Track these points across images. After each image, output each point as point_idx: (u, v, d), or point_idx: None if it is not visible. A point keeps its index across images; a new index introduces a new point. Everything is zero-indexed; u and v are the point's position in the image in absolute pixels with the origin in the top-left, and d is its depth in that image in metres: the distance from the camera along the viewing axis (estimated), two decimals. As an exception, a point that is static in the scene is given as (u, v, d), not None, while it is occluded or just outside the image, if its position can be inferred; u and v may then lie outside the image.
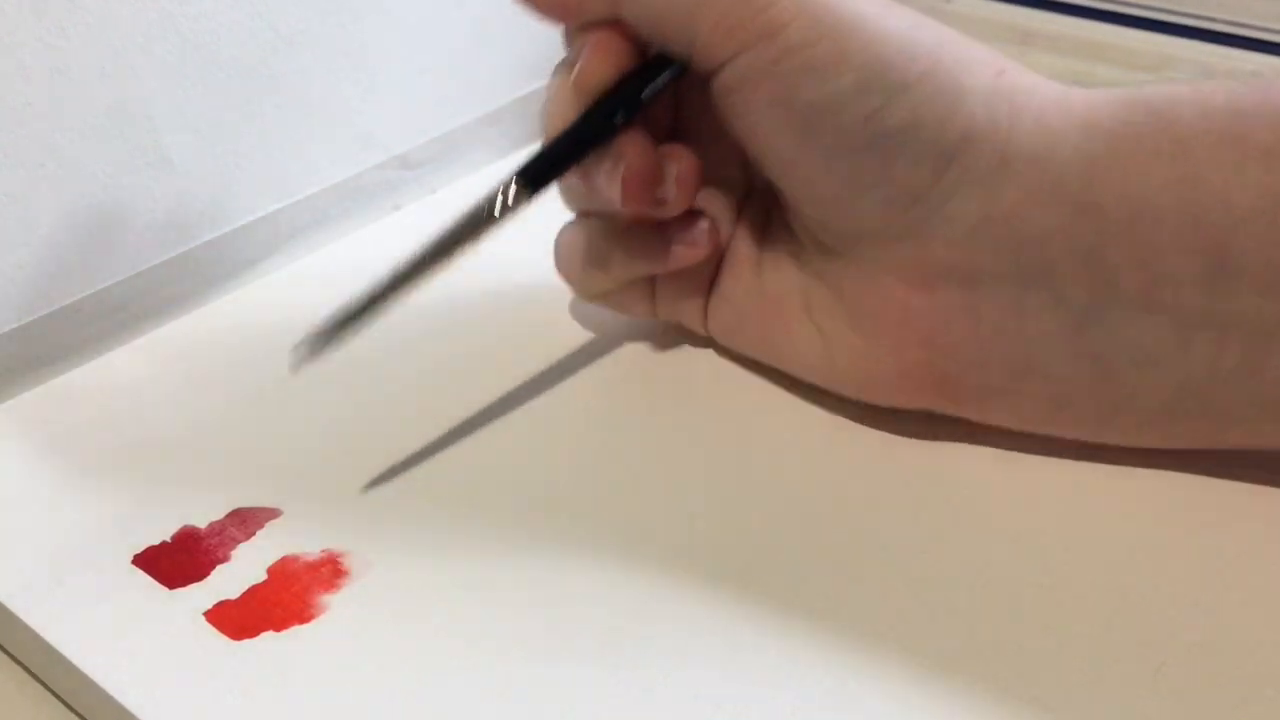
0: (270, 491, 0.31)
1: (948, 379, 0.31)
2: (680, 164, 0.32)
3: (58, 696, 0.28)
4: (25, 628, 0.27)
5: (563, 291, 0.37)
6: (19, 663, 0.29)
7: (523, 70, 0.48)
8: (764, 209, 0.34)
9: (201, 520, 0.30)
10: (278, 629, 0.27)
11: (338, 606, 0.28)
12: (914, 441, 0.32)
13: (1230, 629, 0.27)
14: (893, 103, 0.28)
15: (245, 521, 0.30)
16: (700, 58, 0.30)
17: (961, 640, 0.27)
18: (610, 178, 0.31)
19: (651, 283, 0.35)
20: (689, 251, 0.33)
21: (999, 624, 0.27)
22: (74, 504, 0.31)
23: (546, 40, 0.48)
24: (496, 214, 0.30)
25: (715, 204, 0.34)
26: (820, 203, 0.31)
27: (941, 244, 0.29)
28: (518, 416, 0.34)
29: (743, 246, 0.34)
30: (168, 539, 0.30)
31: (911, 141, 0.29)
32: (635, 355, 0.36)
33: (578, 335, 0.37)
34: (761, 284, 0.34)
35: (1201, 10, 0.52)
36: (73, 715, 0.27)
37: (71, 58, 0.35)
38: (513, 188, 0.30)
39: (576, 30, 0.33)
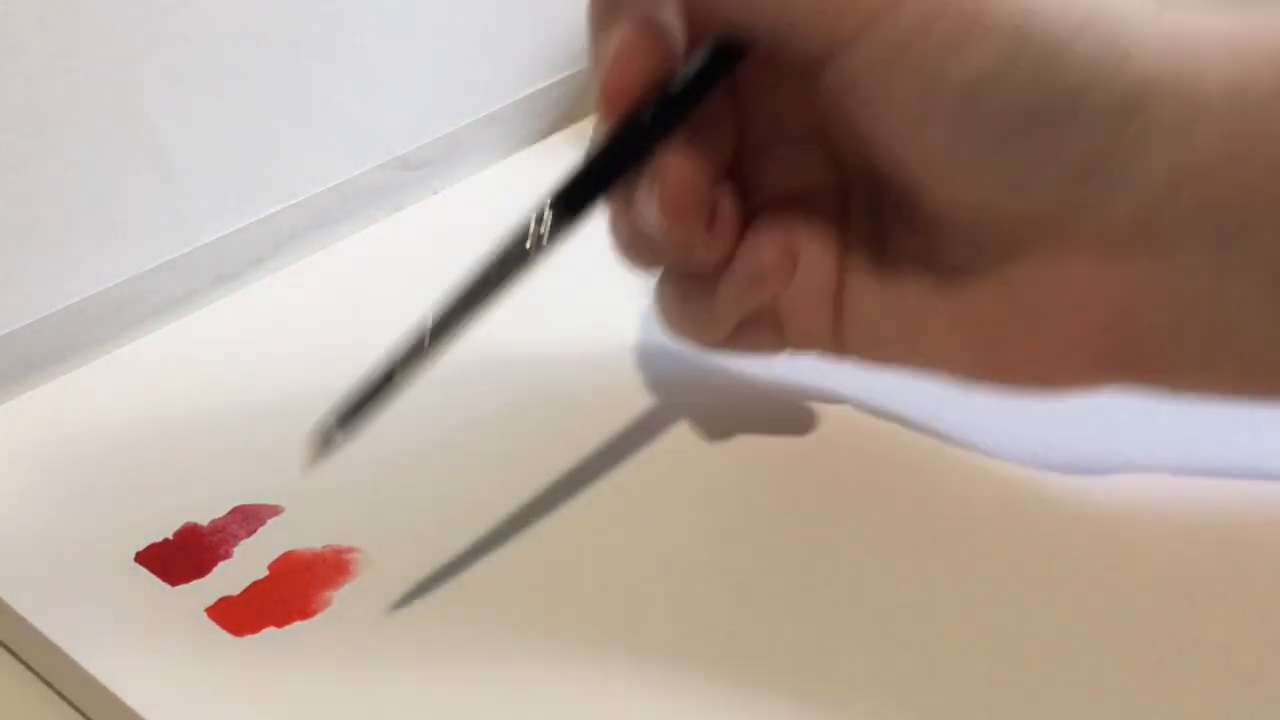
0: (272, 488, 0.31)
1: (1133, 361, 0.28)
2: (724, 201, 0.28)
3: (59, 694, 0.28)
4: (27, 625, 0.27)
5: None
6: (21, 660, 0.29)
7: (524, 71, 0.48)
8: (874, 202, 0.30)
9: (204, 517, 0.30)
10: (280, 625, 0.27)
11: (340, 602, 0.28)
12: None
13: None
14: (1054, 66, 0.25)
15: (247, 518, 0.30)
16: (799, 51, 0.26)
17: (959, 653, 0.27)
18: (648, 199, 0.27)
19: (775, 318, 0.31)
20: (761, 288, 0.29)
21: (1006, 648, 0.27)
22: (75, 502, 0.31)
23: (547, 43, 0.49)
24: (530, 248, 0.26)
25: (805, 216, 0.30)
26: (976, 202, 0.27)
27: (1128, 212, 0.26)
28: (527, 416, 0.34)
29: (859, 253, 0.30)
30: (170, 536, 0.30)
31: (1083, 105, 0.25)
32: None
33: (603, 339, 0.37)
34: (891, 294, 0.30)
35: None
36: (75, 712, 0.27)
37: (73, 59, 0.35)
38: (548, 214, 0.27)
39: (601, 15, 0.28)
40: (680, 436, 0.33)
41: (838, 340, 0.31)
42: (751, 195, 0.31)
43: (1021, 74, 0.25)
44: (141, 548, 0.29)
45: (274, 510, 0.30)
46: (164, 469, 0.32)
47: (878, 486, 0.31)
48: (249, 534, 0.30)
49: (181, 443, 0.33)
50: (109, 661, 0.26)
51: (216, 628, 0.27)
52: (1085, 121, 0.25)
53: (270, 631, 0.27)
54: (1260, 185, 0.25)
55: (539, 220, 0.27)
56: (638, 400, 0.34)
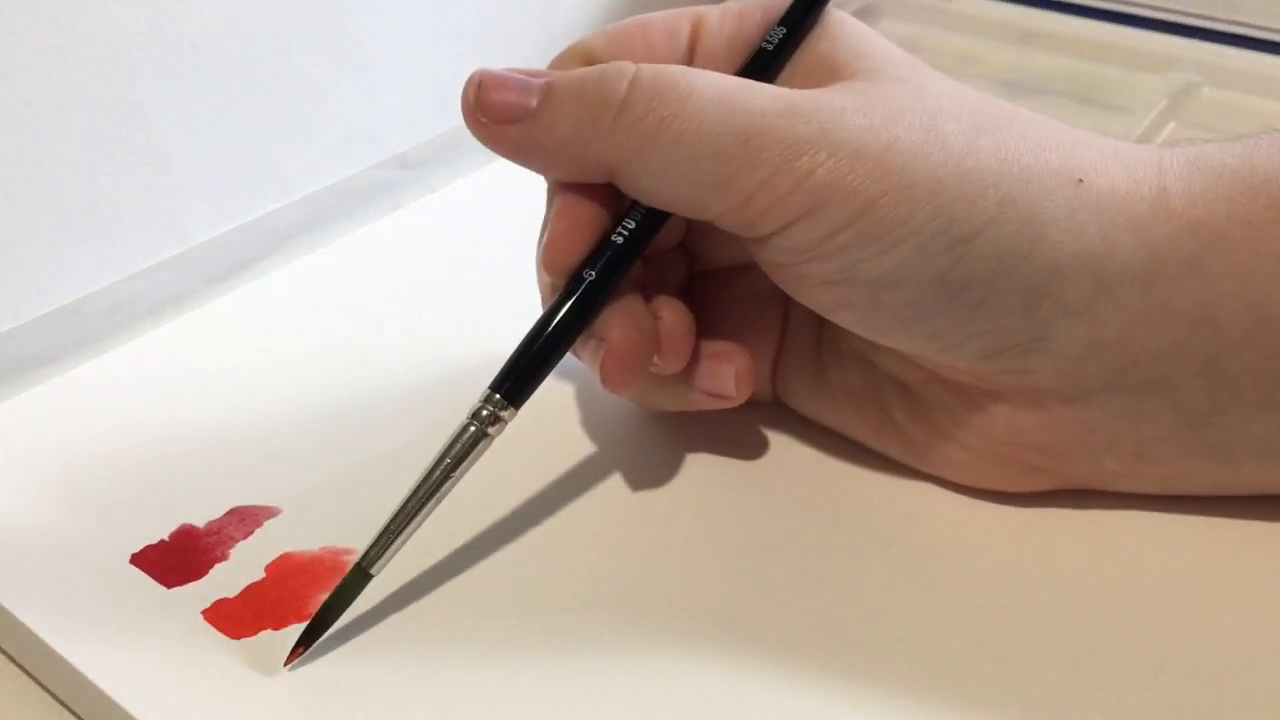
0: (269, 490, 0.31)
1: (1060, 474, 0.29)
2: (670, 319, 0.28)
3: (55, 696, 0.28)
4: (22, 627, 0.27)
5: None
6: (16, 663, 0.28)
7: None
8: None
9: (200, 519, 0.30)
10: (276, 627, 0.27)
11: (337, 605, 0.27)
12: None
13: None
14: (965, 257, 0.25)
15: (244, 520, 0.30)
16: (729, 230, 0.27)
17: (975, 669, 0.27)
18: (593, 358, 0.28)
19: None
20: (714, 401, 0.30)
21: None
22: (72, 503, 0.30)
23: (545, 40, 0.48)
24: (476, 439, 0.27)
25: (750, 287, 0.31)
26: (899, 356, 0.29)
27: (1045, 374, 0.27)
28: (524, 419, 0.33)
29: (798, 331, 0.32)
30: (166, 538, 0.29)
31: (994, 293, 0.26)
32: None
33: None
34: (829, 382, 0.31)
35: (1202, 10, 0.52)
36: (70, 715, 0.27)
37: (70, 57, 0.35)
38: (487, 410, 0.27)
39: (552, 184, 0.29)
40: (672, 441, 0.33)
41: (776, 394, 0.33)
42: (700, 263, 0.32)
43: (933, 268, 0.26)
44: (137, 549, 0.29)
45: (271, 511, 0.30)
46: (160, 470, 0.32)
47: (875, 485, 0.31)
48: (246, 535, 0.29)
49: (178, 443, 0.32)
50: (104, 664, 0.26)
51: (213, 630, 0.27)
52: (993, 309, 0.26)
53: (267, 634, 0.27)
54: (1169, 350, 0.26)
55: (483, 416, 0.27)
56: (627, 405, 0.34)
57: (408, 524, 0.27)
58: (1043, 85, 0.50)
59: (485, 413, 0.27)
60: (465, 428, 0.27)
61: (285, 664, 0.26)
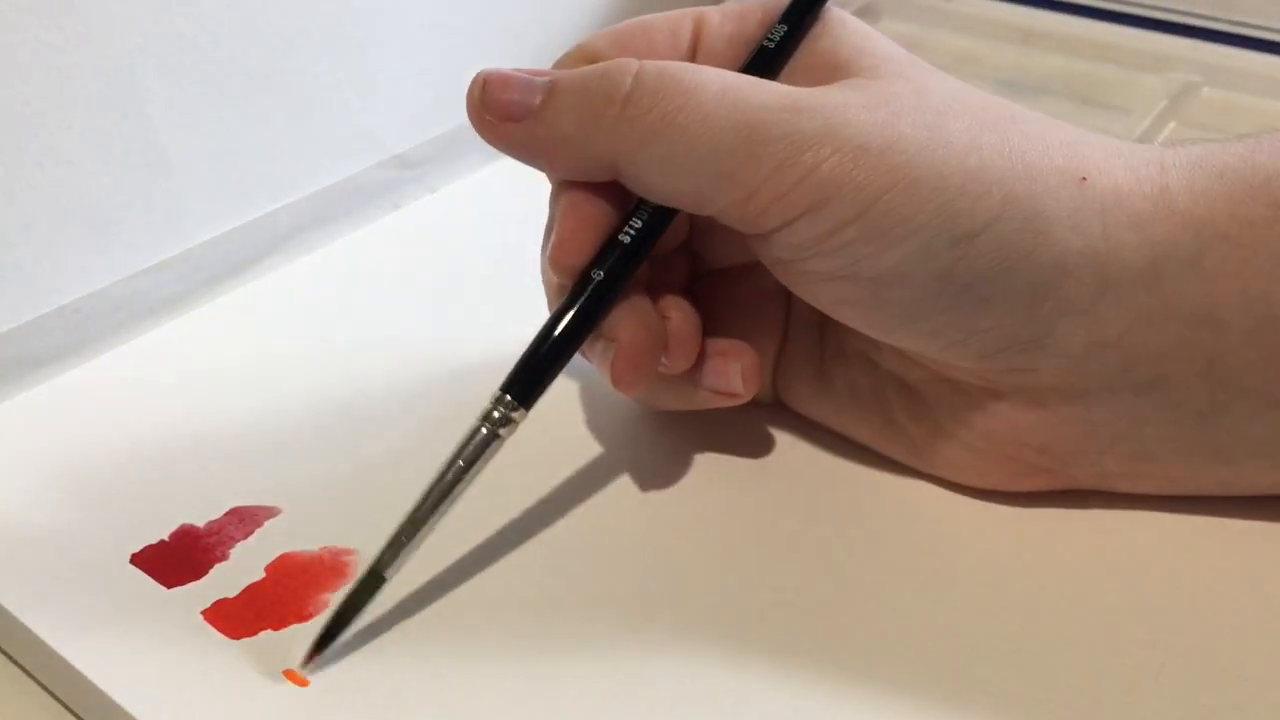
0: (269, 490, 0.31)
1: (1062, 474, 0.29)
2: (677, 319, 0.29)
3: (55, 696, 0.28)
4: (22, 627, 0.27)
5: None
6: (16, 662, 0.28)
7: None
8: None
9: (200, 519, 0.30)
10: (276, 628, 0.27)
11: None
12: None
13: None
14: (968, 255, 0.26)
15: (244, 520, 0.30)
16: (733, 226, 0.27)
17: (970, 662, 0.27)
18: (602, 358, 0.28)
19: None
20: (721, 399, 0.30)
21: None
22: (72, 503, 0.30)
23: (546, 40, 0.48)
24: (488, 440, 0.27)
25: (753, 286, 0.31)
26: (902, 356, 0.29)
27: (1047, 373, 0.27)
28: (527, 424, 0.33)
29: (800, 331, 0.32)
30: (166, 538, 0.29)
31: (998, 290, 0.26)
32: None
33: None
34: (830, 383, 0.31)
35: (1202, 10, 0.52)
36: (70, 715, 0.27)
37: (70, 56, 0.35)
38: (498, 412, 0.27)
39: (557, 184, 0.29)
40: (674, 442, 0.33)
41: (777, 395, 0.33)
42: (703, 263, 0.32)
43: (936, 265, 0.26)
44: (137, 549, 0.29)
45: (271, 511, 0.30)
46: (160, 470, 0.32)
47: (876, 485, 0.31)
48: (246, 535, 0.29)
49: (178, 443, 0.32)
50: (104, 664, 0.26)
51: (213, 630, 0.27)
52: (996, 307, 0.26)
53: (267, 634, 0.27)
54: (1171, 348, 0.26)
55: (493, 419, 0.27)
56: (629, 406, 0.34)
57: (420, 526, 0.26)
58: (1043, 85, 0.50)
59: (496, 414, 0.27)
60: (476, 430, 0.27)
61: (300, 665, 0.26)
